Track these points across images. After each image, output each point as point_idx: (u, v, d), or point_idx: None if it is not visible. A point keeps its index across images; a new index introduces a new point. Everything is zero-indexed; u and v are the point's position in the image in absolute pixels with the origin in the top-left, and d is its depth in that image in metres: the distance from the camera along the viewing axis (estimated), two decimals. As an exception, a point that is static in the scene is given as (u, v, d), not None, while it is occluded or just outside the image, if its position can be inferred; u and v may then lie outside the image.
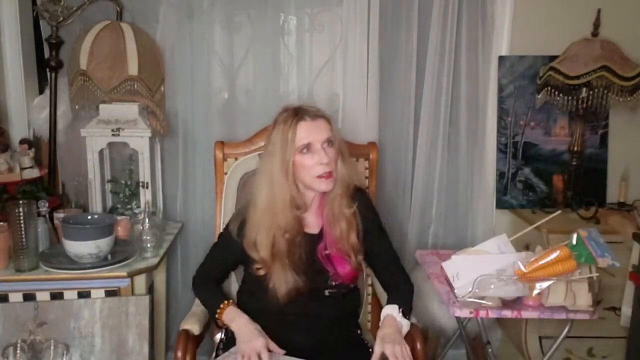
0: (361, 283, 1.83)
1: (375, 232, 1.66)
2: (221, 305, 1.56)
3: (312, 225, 1.62)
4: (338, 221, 1.57)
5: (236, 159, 1.98)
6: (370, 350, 1.66)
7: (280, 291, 1.52)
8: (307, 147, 1.50)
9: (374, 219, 1.68)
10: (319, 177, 1.51)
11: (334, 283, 1.59)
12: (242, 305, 1.67)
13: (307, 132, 1.50)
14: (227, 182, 1.94)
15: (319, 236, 1.61)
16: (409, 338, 1.57)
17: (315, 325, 1.58)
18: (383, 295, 1.72)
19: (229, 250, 1.66)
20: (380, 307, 1.83)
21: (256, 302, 1.61)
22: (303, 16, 2.31)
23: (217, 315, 1.57)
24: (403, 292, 1.62)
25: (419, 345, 1.55)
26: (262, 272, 1.56)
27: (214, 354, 1.66)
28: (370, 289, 1.94)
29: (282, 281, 1.52)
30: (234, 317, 1.53)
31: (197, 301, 1.78)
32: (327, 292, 1.59)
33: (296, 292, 1.53)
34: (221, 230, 1.74)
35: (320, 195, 1.60)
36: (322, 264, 1.58)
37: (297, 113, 1.52)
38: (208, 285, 1.67)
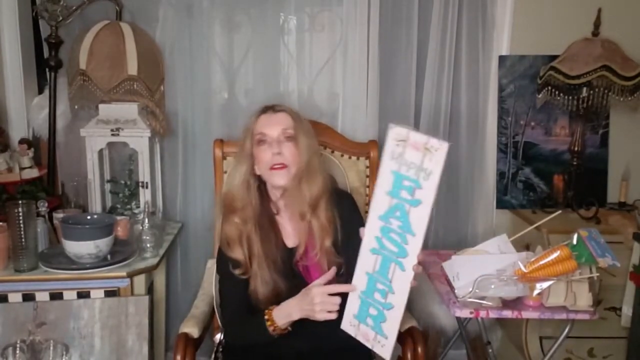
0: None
1: (354, 242, 1.42)
2: (267, 322, 1.42)
3: (290, 235, 1.58)
4: (313, 230, 1.51)
5: (236, 157, 1.96)
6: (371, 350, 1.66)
7: (260, 292, 1.47)
8: (263, 139, 1.51)
9: (358, 223, 1.47)
10: (272, 168, 1.50)
11: None
12: None
13: (264, 123, 1.53)
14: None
15: (297, 248, 1.55)
16: (409, 340, 1.57)
17: (311, 330, 1.47)
18: None
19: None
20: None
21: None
22: (303, 16, 2.31)
23: (273, 330, 1.42)
24: None
25: (419, 348, 1.54)
26: (238, 272, 1.50)
27: (212, 356, 1.66)
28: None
29: (262, 281, 1.47)
30: (285, 312, 1.41)
31: (195, 303, 1.77)
32: None
33: (277, 296, 1.47)
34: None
35: (291, 200, 1.54)
36: (301, 275, 1.52)
37: (264, 108, 1.57)
38: (242, 320, 1.52)
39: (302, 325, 1.44)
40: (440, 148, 1.12)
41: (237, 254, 1.51)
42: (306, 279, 1.50)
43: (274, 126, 1.51)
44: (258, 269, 1.49)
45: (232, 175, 1.60)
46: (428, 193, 1.14)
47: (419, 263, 1.18)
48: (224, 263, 1.54)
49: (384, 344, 1.25)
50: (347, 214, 1.57)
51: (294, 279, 1.51)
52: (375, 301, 1.25)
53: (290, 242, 1.58)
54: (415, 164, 1.14)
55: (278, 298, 1.47)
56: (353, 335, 1.31)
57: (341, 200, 1.60)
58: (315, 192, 1.51)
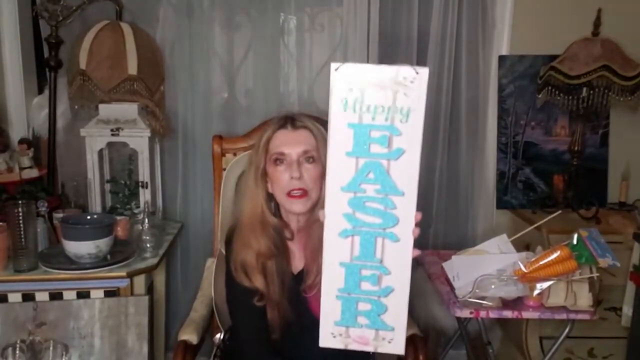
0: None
1: None
2: None
3: (298, 261, 1.45)
4: (318, 255, 1.30)
5: (235, 154, 1.95)
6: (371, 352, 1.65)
7: (275, 321, 1.38)
8: (281, 158, 1.34)
9: None
10: (289, 195, 1.32)
11: None
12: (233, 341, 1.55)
13: (284, 141, 1.34)
14: (226, 178, 1.89)
15: (303, 274, 1.42)
16: (410, 347, 1.52)
17: (314, 344, 1.46)
18: None
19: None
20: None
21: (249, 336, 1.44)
22: (303, 16, 2.31)
23: None
24: None
25: (421, 356, 1.50)
26: (259, 302, 1.37)
27: (212, 357, 1.66)
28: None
29: (278, 311, 1.37)
30: None
31: (194, 306, 1.76)
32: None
33: (288, 326, 1.40)
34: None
35: (306, 222, 1.40)
36: (307, 303, 1.39)
37: (285, 120, 1.38)
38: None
39: (303, 350, 1.39)
40: (418, 77, 0.89)
41: (258, 282, 1.37)
42: (310, 308, 1.37)
43: (294, 146, 1.33)
44: (274, 297, 1.38)
45: (244, 197, 1.42)
46: (412, 137, 0.92)
47: (416, 225, 0.97)
48: (240, 293, 1.40)
49: (392, 338, 1.01)
50: None
51: (299, 308, 1.39)
52: (364, 293, 0.99)
53: (296, 268, 1.44)
54: (385, 106, 0.91)
55: (289, 328, 1.39)
56: (342, 347, 1.03)
57: None
58: None
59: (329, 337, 1.03)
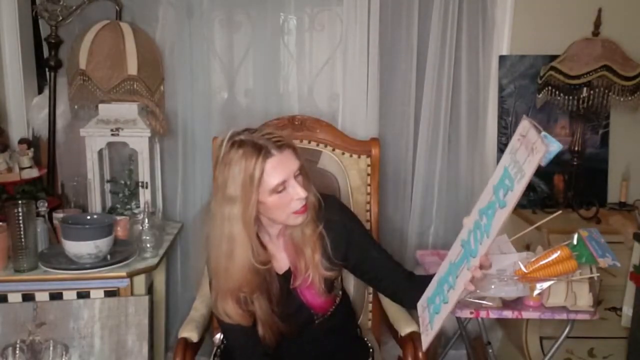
0: (357, 285, 1.83)
1: (357, 240, 1.48)
2: None
3: (281, 262, 1.47)
4: (302, 250, 1.41)
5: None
6: (371, 350, 1.66)
7: (265, 334, 1.43)
8: (286, 186, 1.30)
9: (352, 226, 1.49)
10: (296, 212, 1.33)
11: (317, 319, 1.51)
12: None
13: (281, 168, 1.28)
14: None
15: (289, 273, 1.47)
16: (410, 345, 1.54)
17: (312, 345, 1.53)
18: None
19: None
20: (382, 308, 1.82)
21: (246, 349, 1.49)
22: (303, 16, 2.30)
23: None
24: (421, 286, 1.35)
25: (420, 353, 1.52)
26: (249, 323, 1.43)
27: (212, 357, 1.66)
28: (371, 288, 1.93)
29: (266, 327, 1.43)
30: None
31: (194, 305, 1.76)
32: (316, 321, 1.52)
33: (280, 334, 1.45)
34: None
35: (282, 227, 1.43)
36: (300, 299, 1.47)
37: (260, 147, 1.27)
38: None
39: (300, 346, 1.45)
40: (539, 150, 0.97)
41: (243, 320, 1.41)
42: (302, 300, 1.47)
43: (290, 168, 1.30)
44: (263, 318, 1.42)
45: (230, 241, 1.32)
46: (514, 197, 1.03)
47: (481, 267, 1.13)
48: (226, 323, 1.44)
49: (428, 334, 1.24)
50: (337, 216, 1.46)
51: (291, 304, 1.46)
52: (442, 292, 1.20)
53: (281, 268, 1.47)
54: (519, 163, 1.03)
55: (281, 331, 1.46)
56: (419, 314, 1.30)
57: (328, 205, 1.45)
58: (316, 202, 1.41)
59: (421, 304, 1.30)
